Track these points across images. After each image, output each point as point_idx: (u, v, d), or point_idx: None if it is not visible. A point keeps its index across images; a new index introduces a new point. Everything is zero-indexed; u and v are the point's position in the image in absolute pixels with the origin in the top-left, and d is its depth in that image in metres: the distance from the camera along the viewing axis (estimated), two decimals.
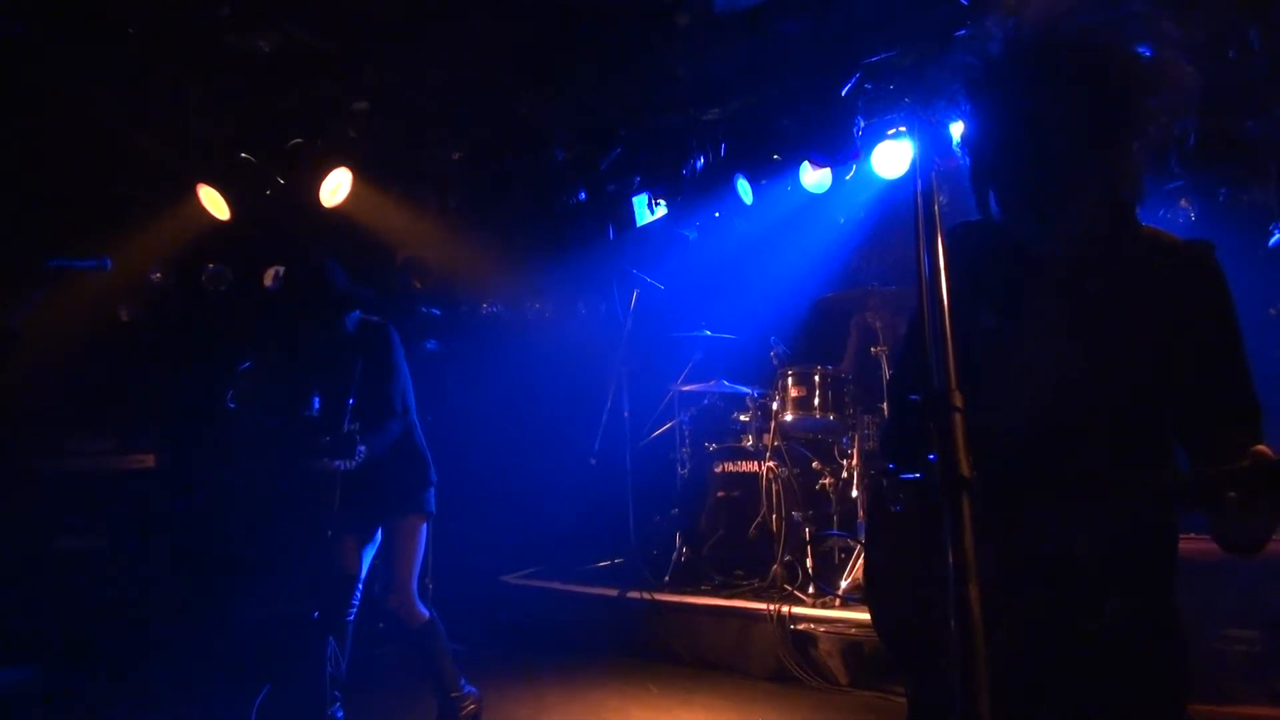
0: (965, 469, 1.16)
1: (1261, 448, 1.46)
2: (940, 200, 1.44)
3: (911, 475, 1.21)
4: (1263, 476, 1.39)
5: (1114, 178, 1.64)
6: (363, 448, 3.68)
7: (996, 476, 1.53)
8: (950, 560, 1.09)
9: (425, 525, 4.12)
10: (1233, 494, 1.40)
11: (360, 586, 3.97)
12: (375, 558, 4.06)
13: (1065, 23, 1.60)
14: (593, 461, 6.81)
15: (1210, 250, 1.66)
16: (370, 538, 4.04)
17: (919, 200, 1.41)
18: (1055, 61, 1.59)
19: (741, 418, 6.61)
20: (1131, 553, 1.64)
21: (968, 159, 1.75)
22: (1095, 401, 1.63)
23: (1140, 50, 1.57)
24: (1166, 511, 1.67)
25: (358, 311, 4.15)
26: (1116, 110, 1.59)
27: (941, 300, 1.29)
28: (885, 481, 1.75)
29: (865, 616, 4.89)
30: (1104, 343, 1.64)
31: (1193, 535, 1.75)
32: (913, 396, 1.23)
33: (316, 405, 3.89)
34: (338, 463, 3.63)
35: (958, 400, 1.20)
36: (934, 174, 1.61)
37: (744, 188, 6.46)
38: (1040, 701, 1.62)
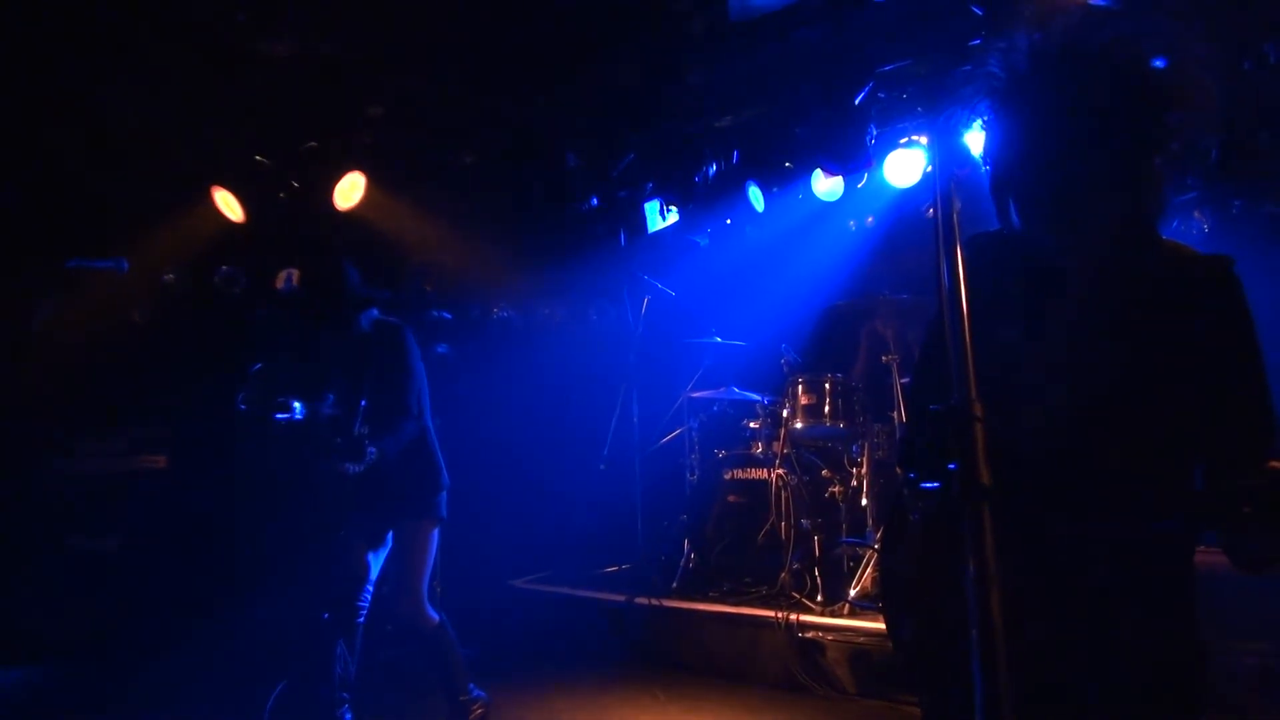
0: (986, 478, 1.16)
1: (1276, 464, 1.46)
2: (957, 209, 1.45)
3: (932, 484, 1.22)
4: (1277, 493, 1.40)
5: (1136, 192, 1.65)
6: (373, 450, 3.68)
7: (1014, 489, 1.54)
8: (971, 569, 1.10)
9: (437, 530, 4.11)
10: (1248, 510, 1.40)
11: (370, 589, 3.98)
12: (386, 561, 4.06)
13: (1091, 37, 1.61)
14: (602, 466, 6.82)
15: (1230, 265, 1.65)
16: (382, 540, 4.04)
17: (938, 210, 1.41)
18: (1081, 75, 1.59)
19: (751, 425, 6.61)
20: (1149, 566, 1.63)
21: (989, 169, 1.75)
22: (1113, 414, 1.63)
23: (1165, 66, 1.58)
24: (1183, 526, 1.67)
25: (375, 310, 4.15)
26: (1141, 125, 1.60)
27: (961, 310, 1.30)
28: (905, 490, 1.75)
29: (874, 625, 4.89)
30: (1122, 356, 1.64)
31: (1203, 548, 1.75)
32: (933, 407, 1.23)
33: (330, 405, 3.90)
34: (347, 465, 3.63)
35: (978, 410, 1.21)
36: (951, 183, 1.62)
37: (756, 195, 6.48)
38: (1057, 713, 1.62)
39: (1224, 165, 4.97)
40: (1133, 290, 1.67)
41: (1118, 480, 1.63)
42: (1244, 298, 1.64)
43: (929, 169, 5.92)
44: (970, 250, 1.63)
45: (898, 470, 1.94)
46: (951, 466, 1.18)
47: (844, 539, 5.77)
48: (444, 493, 4.14)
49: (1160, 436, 1.62)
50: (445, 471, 4.18)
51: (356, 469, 3.67)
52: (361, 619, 3.94)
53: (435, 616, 4.06)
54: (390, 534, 4.05)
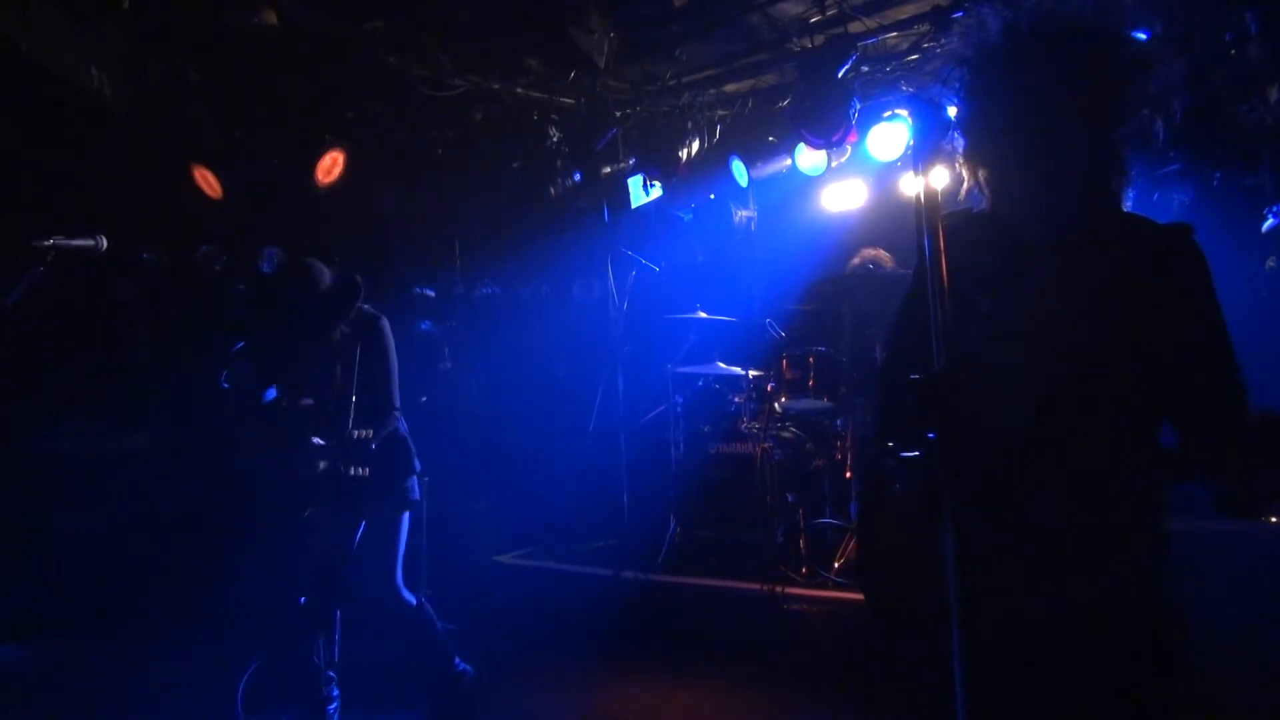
0: (964, 446, 1.17)
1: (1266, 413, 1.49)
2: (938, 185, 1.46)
3: (910, 453, 1.23)
4: (1273, 432, 1.42)
5: (1101, 162, 1.69)
6: (374, 450, 3.68)
7: (994, 455, 1.56)
8: (949, 534, 1.11)
9: (408, 514, 4.10)
10: (1240, 452, 1.44)
11: (345, 573, 3.98)
12: (360, 546, 4.05)
13: (1057, 12, 1.64)
14: (591, 428, 6.82)
15: (1189, 232, 1.69)
16: (355, 526, 4.03)
17: (919, 185, 1.43)
18: (1046, 50, 1.63)
19: (736, 399, 6.62)
20: (1126, 527, 1.67)
21: (961, 142, 1.78)
22: (1086, 381, 1.66)
23: (1128, 40, 1.60)
24: (1159, 487, 1.71)
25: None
26: (1104, 97, 1.63)
27: (942, 283, 1.31)
28: (888, 460, 1.77)
29: (858, 597, 4.93)
30: (1093, 324, 1.67)
31: (1186, 515, 1.79)
32: (914, 376, 1.24)
33: (314, 399, 3.88)
34: (354, 469, 3.62)
35: (956, 379, 1.22)
36: (933, 158, 1.64)
37: (739, 169, 6.46)
38: (1038, 673, 1.65)
39: (1203, 137, 4.98)
40: (1099, 259, 1.70)
41: (1093, 443, 1.66)
42: (1204, 262, 1.67)
43: (913, 142, 5.92)
44: (948, 223, 1.65)
45: (882, 440, 1.96)
46: (931, 436, 1.19)
47: (822, 520, 5.81)
48: (414, 477, 4.12)
49: (1133, 399, 1.65)
50: (416, 456, 4.16)
51: (361, 473, 3.65)
52: (338, 602, 3.96)
53: (412, 600, 4.06)
54: (364, 518, 4.03)
